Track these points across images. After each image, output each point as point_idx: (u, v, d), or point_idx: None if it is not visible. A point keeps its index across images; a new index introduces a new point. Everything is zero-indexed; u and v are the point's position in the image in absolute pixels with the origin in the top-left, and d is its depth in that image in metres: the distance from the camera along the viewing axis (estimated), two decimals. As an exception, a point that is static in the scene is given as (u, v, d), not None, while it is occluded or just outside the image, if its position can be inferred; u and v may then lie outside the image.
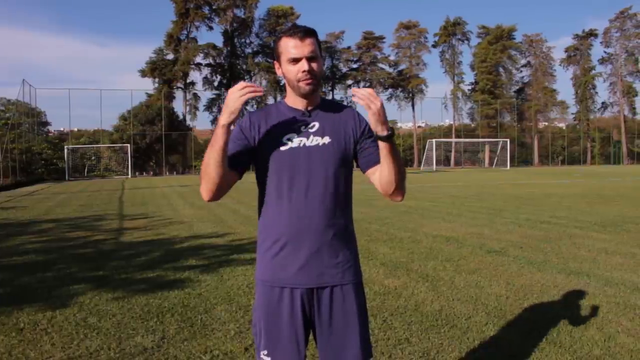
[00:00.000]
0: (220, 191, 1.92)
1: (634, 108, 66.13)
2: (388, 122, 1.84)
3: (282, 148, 1.94)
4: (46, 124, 57.36)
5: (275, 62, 2.02)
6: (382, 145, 1.88)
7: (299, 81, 1.91)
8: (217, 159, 1.84)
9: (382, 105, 1.81)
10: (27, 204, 16.30)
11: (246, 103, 1.83)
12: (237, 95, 1.79)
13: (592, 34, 65.52)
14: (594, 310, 4.43)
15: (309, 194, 1.91)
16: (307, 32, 1.90)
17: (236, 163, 1.94)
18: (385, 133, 1.84)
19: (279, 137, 1.95)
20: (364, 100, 1.78)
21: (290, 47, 1.89)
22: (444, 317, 4.31)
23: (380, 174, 1.96)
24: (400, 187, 1.97)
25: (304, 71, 1.89)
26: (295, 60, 1.90)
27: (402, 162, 1.96)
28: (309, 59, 1.89)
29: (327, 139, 1.96)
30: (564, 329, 3.94)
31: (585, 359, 3.43)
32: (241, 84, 1.81)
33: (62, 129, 60.23)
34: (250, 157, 1.99)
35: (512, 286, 5.24)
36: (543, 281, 5.42)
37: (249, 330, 3.94)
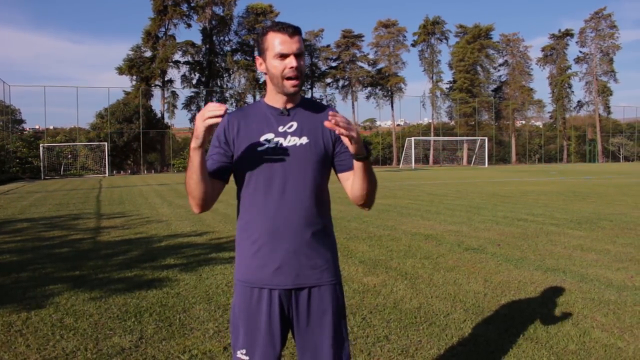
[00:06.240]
0: (208, 203, 1.94)
1: (609, 107, 67.51)
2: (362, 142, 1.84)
3: (260, 148, 1.92)
4: (21, 121, 56.43)
5: (257, 57, 1.99)
6: (359, 165, 1.86)
7: (284, 78, 1.89)
8: (196, 179, 1.85)
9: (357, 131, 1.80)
10: (1, 203, 15.97)
11: (224, 101, 1.79)
12: (199, 121, 1.76)
13: (568, 33, 66.57)
14: (570, 306, 4.50)
15: (286, 195, 1.90)
16: (296, 30, 1.90)
17: (220, 172, 1.96)
18: (364, 154, 1.83)
19: (257, 138, 1.94)
20: (346, 130, 1.72)
21: (278, 42, 1.88)
22: (422, 314, 4.34)
23: (352, 186, 1.95)
24: (369, 200, 1.98)
25: (291, 67, 1.87)
26: (283, 56, 1.88)
27: (375, 176, 1.94)
28: (297, 56, 1.89)
29: (304, 139, 1.94)
30: (541, 325, 4.00)
31: (562, 354, 3.48)
32: (206, 107, 1.75)
33: (37, 126, 59.30)
34: (232, 160, 1.98)
35: (490, 283, 5.30)
36: (520, 278, 5.49)
37: (228, 329, 3.92)
